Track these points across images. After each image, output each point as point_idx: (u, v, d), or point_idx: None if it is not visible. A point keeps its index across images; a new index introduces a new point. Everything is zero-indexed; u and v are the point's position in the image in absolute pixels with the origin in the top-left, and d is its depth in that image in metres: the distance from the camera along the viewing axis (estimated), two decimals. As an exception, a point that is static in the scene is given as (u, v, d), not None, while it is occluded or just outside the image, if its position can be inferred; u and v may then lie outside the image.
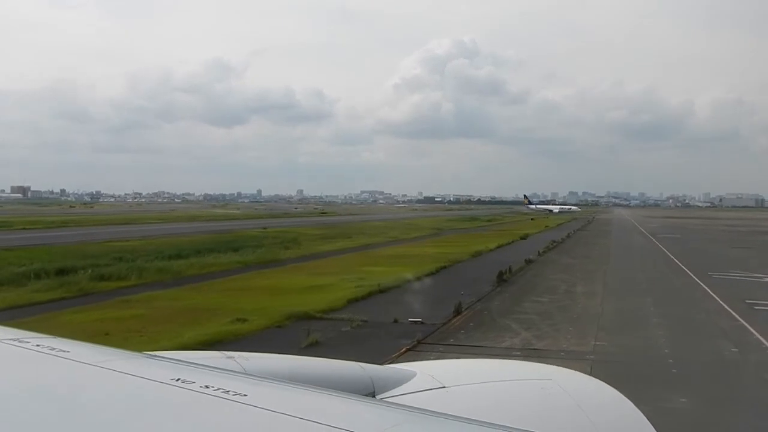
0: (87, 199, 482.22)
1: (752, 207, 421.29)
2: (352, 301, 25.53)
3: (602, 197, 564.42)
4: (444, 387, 3.45)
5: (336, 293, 27.27)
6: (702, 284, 32.10)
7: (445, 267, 38.73)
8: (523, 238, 68.27)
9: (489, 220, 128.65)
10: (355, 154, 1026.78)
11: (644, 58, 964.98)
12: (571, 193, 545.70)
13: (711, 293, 28.91)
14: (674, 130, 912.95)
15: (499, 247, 55.55)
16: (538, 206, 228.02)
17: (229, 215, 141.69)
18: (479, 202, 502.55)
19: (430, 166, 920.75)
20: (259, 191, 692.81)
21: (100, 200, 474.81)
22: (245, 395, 2.20)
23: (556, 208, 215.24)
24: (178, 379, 2.37)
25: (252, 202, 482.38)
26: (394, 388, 3.39)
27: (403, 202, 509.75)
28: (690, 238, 75.58)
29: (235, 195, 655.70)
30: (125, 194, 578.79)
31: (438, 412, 2.36)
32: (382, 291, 28.31)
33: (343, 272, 34.84)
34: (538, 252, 49.13)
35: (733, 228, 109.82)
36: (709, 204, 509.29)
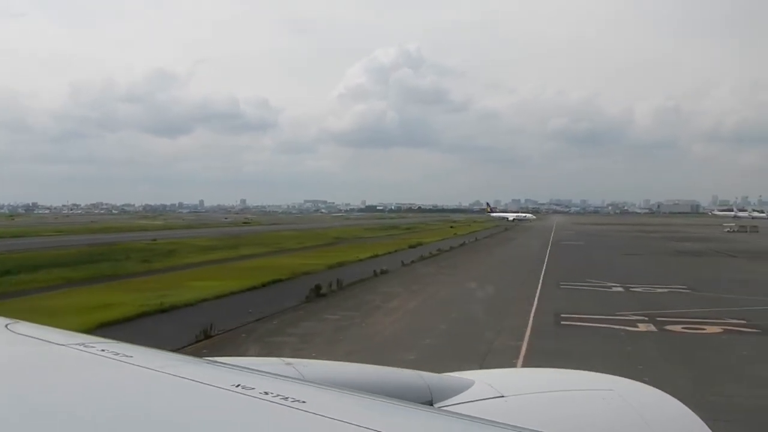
0: (21, 210, 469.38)
1: (688, 213, 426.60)
2: (110, 324, 22.40)
3: (544, 204, 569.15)
4: (503, 396, 3.42)
5: (107, 313, 24.19)
6: (536, 297, 29.58)
7: (280, 280, 35.98)
8: (413, 246, 65.80)
9: (407, 229, 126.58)
10: (300, 163, 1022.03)
11: (586, 67, 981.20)
12: (514, 201, 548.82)
13: (531, 307, 26.37)
14: (615, 137, 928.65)
15: (374, 256, 52.80)
16: (501, 214, 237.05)
17: (147, 226, 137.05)
18: (420, 210, 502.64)
19: (374, 175, 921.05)
20: (201, 201, 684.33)
21: (36, 212, 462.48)
22: (304, 402, 2.22)
23: (511, 216, 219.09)
24: (238, 385, 2.39)
25: (190, 212, 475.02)
26: (452, 396, 3.35)
27: (345, 211, 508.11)
28: (591, 246, 73.78)
29: (176, 205, 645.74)
30: (62, 205, 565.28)
31: (497, 422, 2.37)
32: (162, 311, 25.49)
33: (161, 288, 31.84)
34: (402, 262, 46.69)
35: (649, 234, 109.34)
36: (647, 210, 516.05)
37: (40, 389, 2.46)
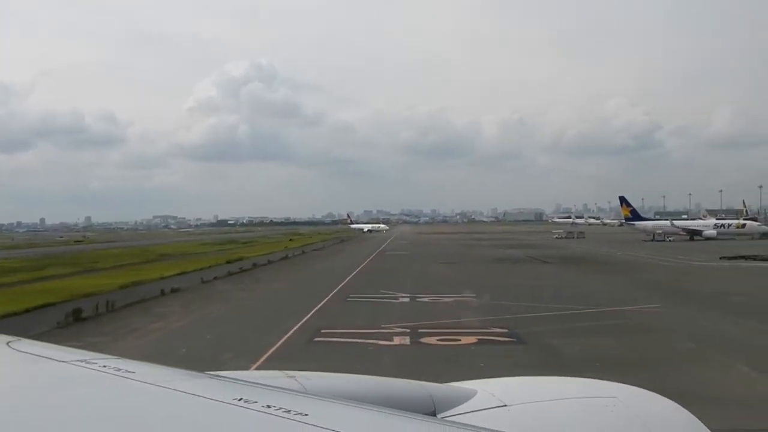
0: None
1: (532, 221, 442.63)
2: None
3: (395, 215, 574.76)
4: (505, 405, 3.41)
5: None
6: (310, 313, 28.06)
7: (52, 304, 32.64)
8: (231, 261, 62.99)
9: (244, 243, 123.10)
10: (150, 178, 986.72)
11: (435, 81, 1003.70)
12: (366, 212, 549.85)
13: (296, 324, 24.93)
14: (464, 149, 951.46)
15: (181, 273, 49.66)
16: (358, 225, 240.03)
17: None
18: (272, 223, 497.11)
19: (226, 189, 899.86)
20: (42, 220, 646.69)
21: None
22: (306, 414, 2.23)
23: (366, 227, 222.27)
24: (240, 399, 2.40)
25: (28, 231, 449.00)
26: (455, 406, 3.36)
27: (195, 226, 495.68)
28: (413, 256, 73.51)
29: (15, 224, 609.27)
30: None
31: None
32: None
33: None
34: (202, 280, 44.51)
35: (480, 242, 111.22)
36: (493, 219, 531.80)
37: (43, 406, 2.45)
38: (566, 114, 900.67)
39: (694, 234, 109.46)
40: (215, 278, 45.98)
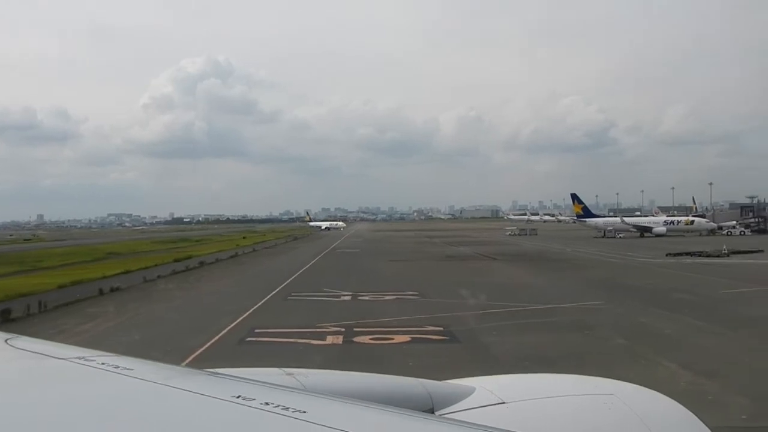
0: None
1: (488, 217, 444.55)
2: None
3: (353, 212, 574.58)
4: (504, 403, 3.41)
5: None
6: (248, 312, 27.76)
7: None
8: (179, 260, 61.63)
9: (197, 241, 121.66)
10: (104, 175, 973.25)
11: (392, 78, 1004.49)
12: (324, 209, 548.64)
13: (231, 324, 24.55)
14: (422, 146, 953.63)
15: (125, 272, 48.64)
16: (317, 223, 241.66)
17: None
18: (228, 221, 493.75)
19: (183, 186, 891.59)
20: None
21: None
22: (304, 412, 2.23)
23: (324, 225, 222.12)
24: (238, 396, 2.39)
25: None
26: (453, 404, 3.37)
27: (150, 224, 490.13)
28: (364, 253, 73.85)
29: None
30: None
31: (499, 429, 2.40)
32: None
33: None
34: (145, 278, 43.61)
35: (433, 240, 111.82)
36: (450, 216, 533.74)
37: (42, 404, 2.43)
38: (523, 111, 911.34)
39: (644, 231, 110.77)
40: (158, 277, 45.26)
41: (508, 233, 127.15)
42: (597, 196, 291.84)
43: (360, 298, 32.06)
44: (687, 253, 60.78)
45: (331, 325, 23.59)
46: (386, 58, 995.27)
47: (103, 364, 2.98)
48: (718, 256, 57.80)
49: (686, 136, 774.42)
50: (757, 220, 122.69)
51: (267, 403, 2.30)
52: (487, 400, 3.42)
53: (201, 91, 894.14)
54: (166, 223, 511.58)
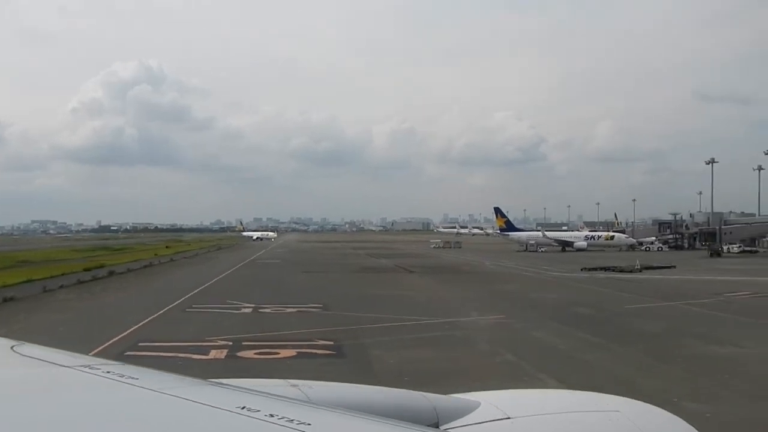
0: None
1: (419, 230, 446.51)
2: None
3: (285, 223, 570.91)
4: (509, 418, 3.41)
5: None
6: (139, 324, 26.89)
7: None
8: (89, 269, 59.85)
9: (117, 249, 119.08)
10: (29, 181, 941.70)
11: (328, 89, 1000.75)
12: (256, 219, 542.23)
13: (116, 337, 23.70)
14: (355, 158, 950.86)
15: (27, 281, 47.02)
16: (249, 233, 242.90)
17: None
18: (156, 230, 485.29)
19: (112, 194, 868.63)
20: None
21: None
22: (309, 424, 2.22)
23: (255, 235, 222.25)
24: (243, 407, 2.38)
25: None
26: (458, 418, 3.35)
27: (76, 231, 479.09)
28: (283, 264, 73.28)
29: None
30: None
31: None
32: None
33: None
34: (45, 288, 41.86)
35: (357, 251, 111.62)
36: (382, 228, 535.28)
37: (46, 411, 2.43)
38: (456, 125, 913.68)
39: (565, 245, 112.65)
40: (61, 287, 43.61)
41: (432, 246, 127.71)
42: (525, 210, 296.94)
43: (261, 310, 31.44)
44: (601, 268, 61.76)
45: (220, 339, 22.94)
46: (322, 69, 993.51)
47: (108, 372, 2.98)
48: (630, 272, 58.95)
49: (614, 153, 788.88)
50: (674, 236, 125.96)
51: (272, 415, 2.30)
52: (492, 415, 3.42)
53: (132, 97, 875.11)
54: (93, 231, 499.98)
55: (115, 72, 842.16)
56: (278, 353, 20.84)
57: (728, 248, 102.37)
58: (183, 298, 36.22)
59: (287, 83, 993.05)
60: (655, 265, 65.46)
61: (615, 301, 36.83)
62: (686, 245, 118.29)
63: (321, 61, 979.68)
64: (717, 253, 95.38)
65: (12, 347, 3.63)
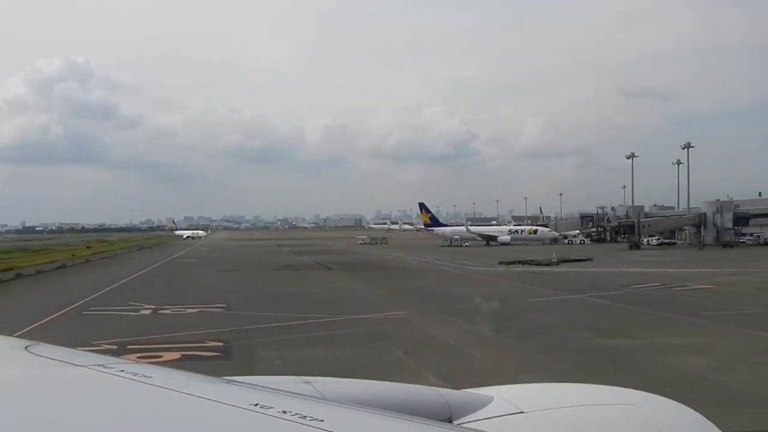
0: None
1: (352, 226, 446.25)
2: None
3: (217, 221, 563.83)
4: (522, 412, 3.39)
5: None
6: (24, 330, 25.98)
7: None
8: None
9: (36, 251, 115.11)
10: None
11: (259, 85, 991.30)
12: (187, 218, 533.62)
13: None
14: (287, 154, 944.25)
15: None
16: (180, 231, 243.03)
17: None
18: (84, 230, 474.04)
19: (37, 193, 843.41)
20: None
21: None
22: (322, 420, 2.22)
23: (185, 234, 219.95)
24: (256, 404, 2.40)
25: None
26: (471, 413, 3.36)
27: (0, 232, 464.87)
28: (201, 264, 72.56)
29: None
30: None
31: None
32: None
33: None
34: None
35: (282, 248, 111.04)
36: (315, 224, 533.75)
37: (61, 411, 2.44)
38: (388, 121, 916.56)
39: (489, 239, 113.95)
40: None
41: (358, 242, 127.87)
42: (455, 205, 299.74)
43: (161, 311, 30.76)
44: (519, 262, 62.59)
45: (105, 343, 22.24)
46: (253, 66, 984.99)
47: (122, 371, 2.97)
48: (547, 265, 59.85)
49: (544, 149, 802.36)
50: (597, 229, 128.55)
51: (285, 411, 2.29)
52: (505, 409, 3.41)
53: (57, 94, 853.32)
54: (17, 231, 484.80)
55: (40, 68, 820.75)
56: (162, 356, 20.22)
57: (647, 240, 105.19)
58: (84, 300, 35.26)
59: (219, 80, 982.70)
60: (572, 258, 66.67)
61: (523, 294, 37.22)
62: (608, 238, 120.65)
63: (253, 59, 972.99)
64: (636, 246, 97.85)
65: (26, 347, 3.64)
